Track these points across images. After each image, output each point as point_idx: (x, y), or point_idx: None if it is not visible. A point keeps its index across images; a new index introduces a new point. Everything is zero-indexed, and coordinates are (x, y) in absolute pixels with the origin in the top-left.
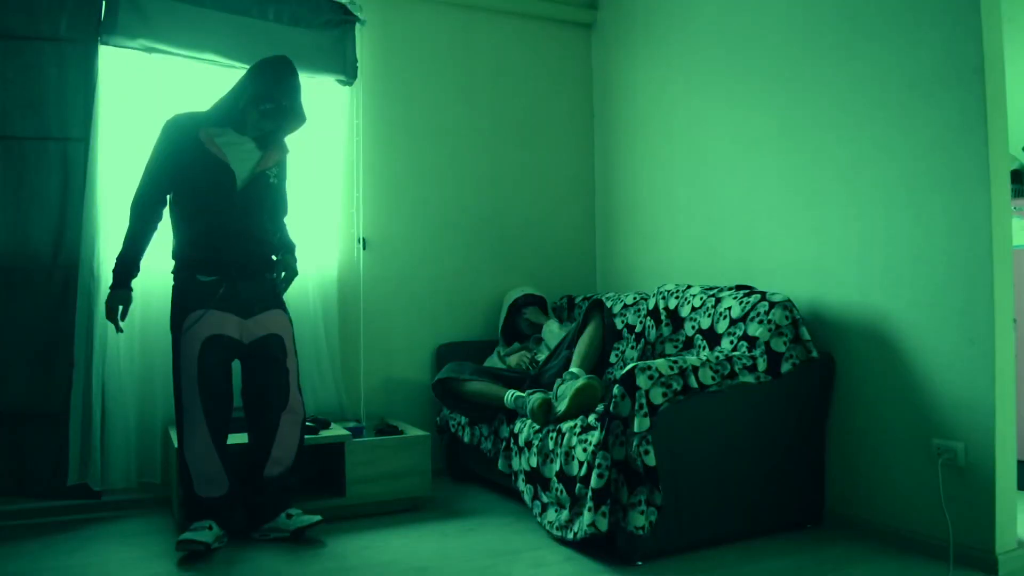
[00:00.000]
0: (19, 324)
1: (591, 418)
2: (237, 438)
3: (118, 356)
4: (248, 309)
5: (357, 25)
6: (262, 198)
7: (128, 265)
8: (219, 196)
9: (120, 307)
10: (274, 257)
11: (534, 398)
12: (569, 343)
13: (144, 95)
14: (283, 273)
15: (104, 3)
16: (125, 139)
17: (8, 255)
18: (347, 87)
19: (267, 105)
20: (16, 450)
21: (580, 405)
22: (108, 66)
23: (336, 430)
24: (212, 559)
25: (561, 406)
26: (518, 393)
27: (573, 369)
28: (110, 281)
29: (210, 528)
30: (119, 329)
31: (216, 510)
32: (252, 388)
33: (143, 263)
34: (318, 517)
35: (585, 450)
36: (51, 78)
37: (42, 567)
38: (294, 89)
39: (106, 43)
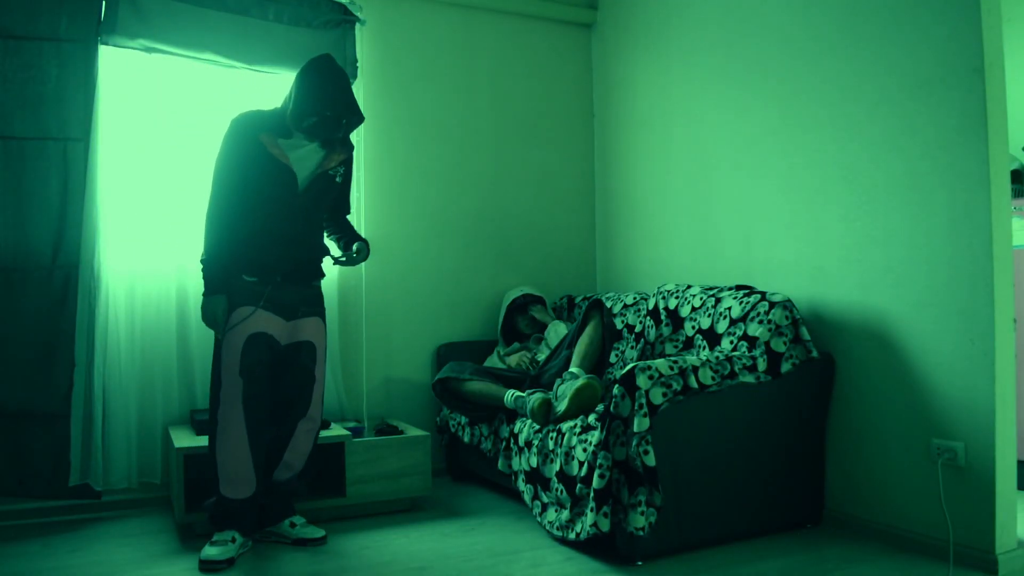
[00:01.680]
0: (19, 324)
1: (591, 418)
2: None
3: (119, 356)
4: (292, 311)
5: (357, 25)
6: (323, 199)
7: (217, 271)
8: (279, 198)
9: (219, 312)
10: (355, 245)
11: (534, 398)
12: (569, 343)
13: (144, 95)
14: (356, 252)
15: (104, 3)
16: (125, 139)
17: (8, 255)
18: None
19: (311, 120)
20: (16, 450)
21: (580, 405)
22: (108, 66)
23: (336, 430)
24: None
25: (561, 406)
26: (518, 393)
27: (573, 369)
28: (111, 281)
29: (233, 540)
30: (222, 335)
31: (241, 514)
32: (276, 390)
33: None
34: (322, 533)
35: (585, 450)
36: (51, 78)
37: (42, 567)
38: (336, 98)
39: (106, 43)
